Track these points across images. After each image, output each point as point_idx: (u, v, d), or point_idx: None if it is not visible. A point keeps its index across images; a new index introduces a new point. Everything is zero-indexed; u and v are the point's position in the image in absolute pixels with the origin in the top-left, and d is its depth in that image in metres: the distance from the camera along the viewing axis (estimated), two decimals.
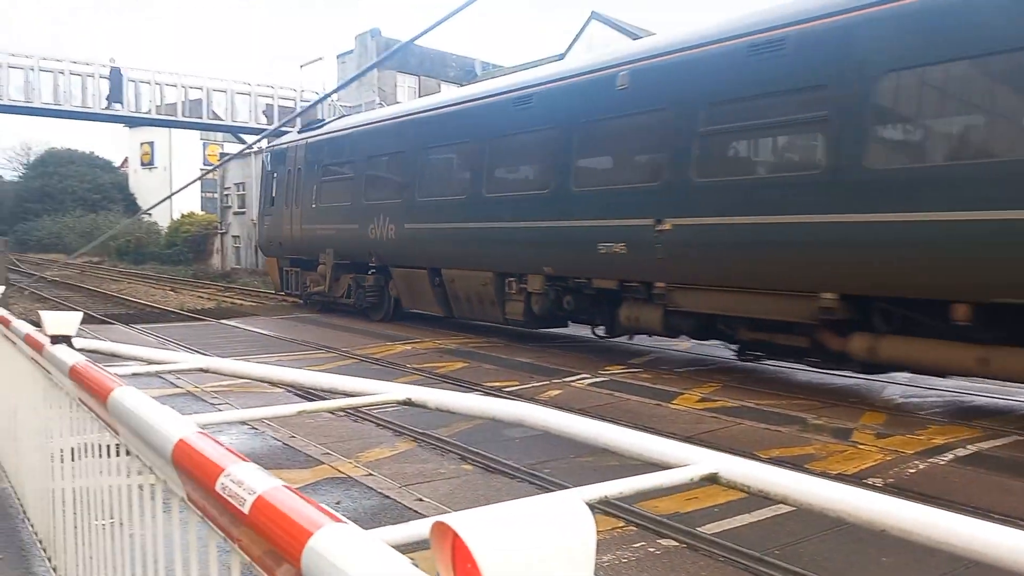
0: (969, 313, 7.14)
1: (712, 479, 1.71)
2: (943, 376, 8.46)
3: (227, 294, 23.72)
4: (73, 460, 3.01)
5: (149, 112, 26.74)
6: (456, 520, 0.77)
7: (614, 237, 10.16)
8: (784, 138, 8.85)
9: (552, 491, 1.34)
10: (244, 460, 1.36)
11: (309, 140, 17.97)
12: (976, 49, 6.90)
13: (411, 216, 14.18)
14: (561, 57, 28.50)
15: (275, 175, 19.57)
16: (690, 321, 10.03)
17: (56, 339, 3.15)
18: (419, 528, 1.38)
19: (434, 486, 5.58)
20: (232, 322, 16.38)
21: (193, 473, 1.46)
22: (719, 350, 11.97)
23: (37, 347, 3.31)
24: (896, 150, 7.80)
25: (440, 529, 0.78)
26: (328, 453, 6.36)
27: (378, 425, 7.35)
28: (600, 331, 11.84)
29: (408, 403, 2.48)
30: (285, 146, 19.35)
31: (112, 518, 2.47)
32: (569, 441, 2.01)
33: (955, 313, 7.22)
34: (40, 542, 3.93)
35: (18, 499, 4.75)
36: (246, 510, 1.20)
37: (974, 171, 6.95)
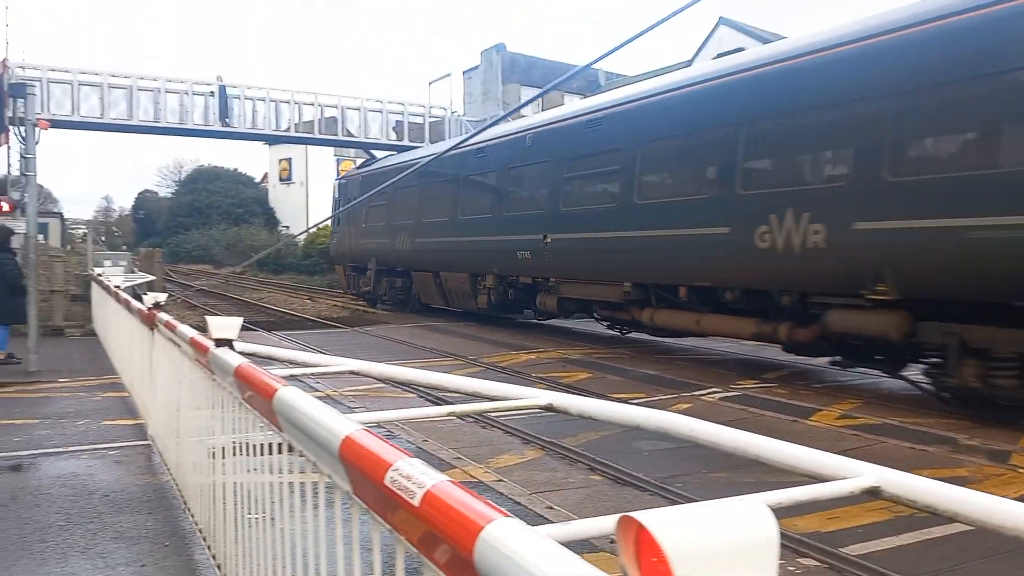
0: (687, 293, 11.47)
1: (874, 492, 1.65)
2: (683, 336, 13.29)
3: (360, 303, 24.63)
4: (234, 456, 3.21)
5: (288, 130, 28.19)
6: (643, 515, 0.79)
7: (524, 247, 14.79)
8: (602, 182, 13.17)
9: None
10: (410, 456, 1.42)
11: (362, 175, 23.29)
12: (681, 130, 11.32)
13: (419, 233, 19.33)
14: (689, 63, 28.06)
15: (340, 201, 25.09)
16: (574, 305, 14.66)
17: (220, 342, 3.38)
18: (576, 528, 1.41)
19: (563, 495, 5.59)
20: (365, 329, 17.04)
21: (361, 468, 1.54)
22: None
23: (203, 349, 3.55)
24: (647, 189, 12.01)
25: (626, 523, 0.80)
26: (460, 458, 6.50)
27: (506, 432, 7.45)
28: (538, 317, 16.68)
29: (550, 409, 2.50)
30: (347, 180, 25.54)
31: (267, 512, 2.62)
32: (701, 456, 2.00)
33: (680, 293, 11.59)
34: (200, 531, 4.21)
35: (179, 491, 5.12)
36: (416, 503, 1.26)
37: (671, 206, 11.32)
